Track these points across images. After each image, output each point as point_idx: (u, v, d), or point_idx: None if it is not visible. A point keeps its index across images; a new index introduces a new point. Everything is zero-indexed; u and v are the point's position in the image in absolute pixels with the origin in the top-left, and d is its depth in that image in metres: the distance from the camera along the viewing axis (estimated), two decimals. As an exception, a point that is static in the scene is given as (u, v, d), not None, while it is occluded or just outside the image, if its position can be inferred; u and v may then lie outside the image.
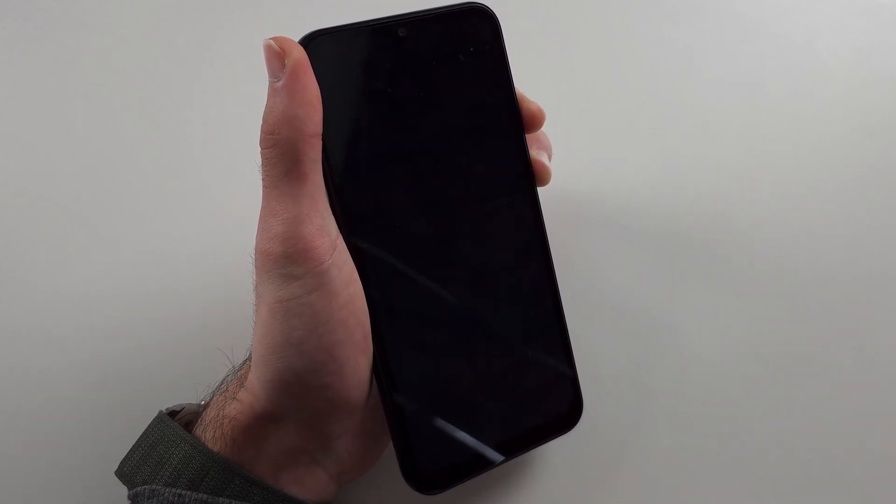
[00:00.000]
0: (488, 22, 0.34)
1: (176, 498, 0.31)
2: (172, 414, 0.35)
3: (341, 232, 0.32)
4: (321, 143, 0.30)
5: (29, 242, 0.44)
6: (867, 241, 0.47)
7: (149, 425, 0.34)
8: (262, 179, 0.30)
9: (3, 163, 0.45)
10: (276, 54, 0.29)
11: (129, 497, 0.32)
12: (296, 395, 0.32)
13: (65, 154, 0.46)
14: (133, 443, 0.34)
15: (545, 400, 0.37)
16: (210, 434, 0.33)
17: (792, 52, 0.52)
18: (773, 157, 0.49)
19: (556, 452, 0.41)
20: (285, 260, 0.29)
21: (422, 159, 0.34)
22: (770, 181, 0.48)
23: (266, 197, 0.30)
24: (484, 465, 0.35)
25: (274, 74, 0.29)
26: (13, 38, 0.48)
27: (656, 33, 0.52)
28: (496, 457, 0.36)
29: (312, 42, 0.31)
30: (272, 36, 0.29)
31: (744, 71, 0.51)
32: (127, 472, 0.33)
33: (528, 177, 0.36)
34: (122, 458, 0.34)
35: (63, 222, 0.44)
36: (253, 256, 0.31)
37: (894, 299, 0.46)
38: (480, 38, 0.34)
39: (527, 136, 0.36)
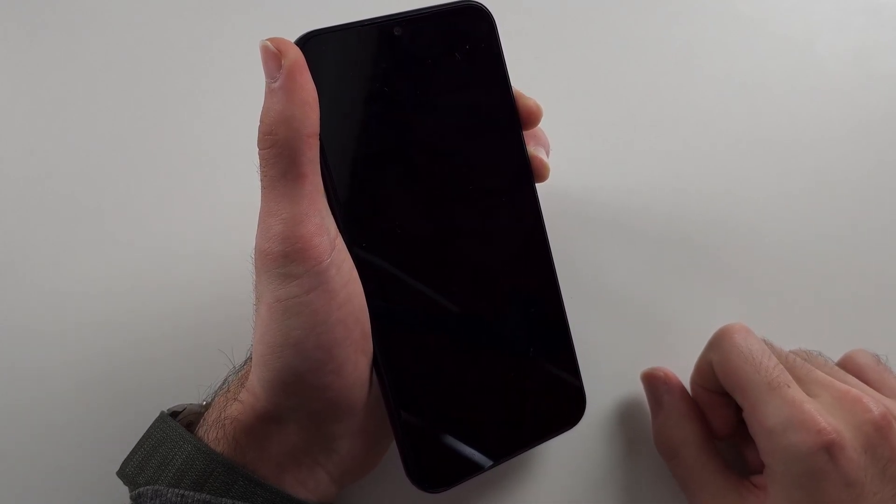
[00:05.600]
0: (484, 19, 0.34)
1: (179, 499, 0.31)
2: (174, 414, 0.35)
3: (339, 231, 0.32)
4: (319, 142, 0.30)
5: (30, 242, 0.44)
6: (867, 240, 0.47)
7: (150, 426, 0.34)
8: (261, 180, 0.30)
9: (3, 161, 0.46)
10: (273, 55, 0.29)
11: (132, 497, 0.32)
12: (296, 395, 0.32)
13: (65, 153, 0.46)
14: (134, 443, 0.34)
15: (549, 397, 0.37)
16: (213, 435, 0.33)
17: (792, 52, 0.52)
18: (773, 157, 0.49)
19: (559, 450, 0.41)
20: (284, 259, 0.30)
21: (419, 158, 0.34)
22: (770, 181, 0.48)
23: (265, 197, 0.30)
24: (488, 462, 0.35)
25: (270, 75, 0.30)
26: (14, 38, 0.48)
27: (656, 32, 0.52)
28: (500, 454, 0.36)
29: (308, 42, 0.31)
30: (268, 37, 0.30)
31: (744, 71, 0.51)
32: (129, 472, 0.33)
33: (526, 173, 0.36)
34: (122, 458, 0.34)
35: (64, 222, 0.44)
36: (253, 257, 0.31)
37: (895, 298, 0.46)
38: (476, 35, 0.34)
39: (524, 132, 0.36)
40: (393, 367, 0.33)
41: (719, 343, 0.37)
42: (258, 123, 0.30)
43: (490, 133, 0.35)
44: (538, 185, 0.36)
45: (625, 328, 0.44)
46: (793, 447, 0.33)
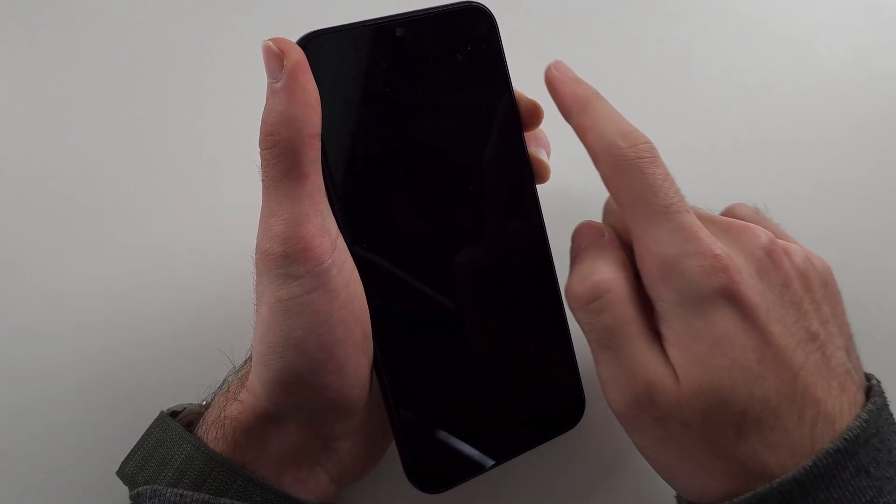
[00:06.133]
0: (485, 20, 0.34)
1: (178, 498, 0.31)
2: (174, 414, 0.35)
3: (340, 231, 0.32)
4: (320, 143, 0.30)
5: (30, 242, 0.44)
6: (867, 240, 0.47)
7: (150, 426, 0.35)
8: (262, 180, 0.30)
9: (3, 161, 0.46)
10: (275, 55, 0.29)
11: (131, 497, 0.32)
12: (296, 395, 0.32)
13: (65, 153, 0.46)
14: (134, 443, 0.34)
15: (548, 397, 0.37)
16: (212, 435, 0.33)
17: (792, 52, 0.52)
18: (772, 156, 0.49)
19: (559, 450, 0.41)
20: (285, 259, 0.30)
21: (421, 158, 0.34)
22: (770, 181, 0.48)
23: (266, 198, 0.30)
24: (488, 462, 0.35)
25: (273, 75, 0.30)
26: (14, 38, 0.48)
27: (656, 33, 0.52)
28: (500, 455, 0.36)
29: (310, 43, 0.31)
30: (270, 37, 0.30)
31: (743, 71, 0.51)
32: (129, 472, 0.33)
33: (527, 174, 0.36)
34: (122, 457, 0.34)
35: (64, 222, 0.44)
36: (254, 257, 0.31)
37: (894, 298, 0.46)
38: (478, 36, 0.34)
39: (525, 133, 0.36)
40: (393, 367, 0.33)
41: (618, 156, 0.33)
42: (259, 123, 0.30)
43: (491, 134, 0.35)
44: (539, 186, 0.36)
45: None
46: (688, 274, 0.31)
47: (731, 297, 0.30)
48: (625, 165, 0.33)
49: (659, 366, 0.32)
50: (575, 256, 0.36)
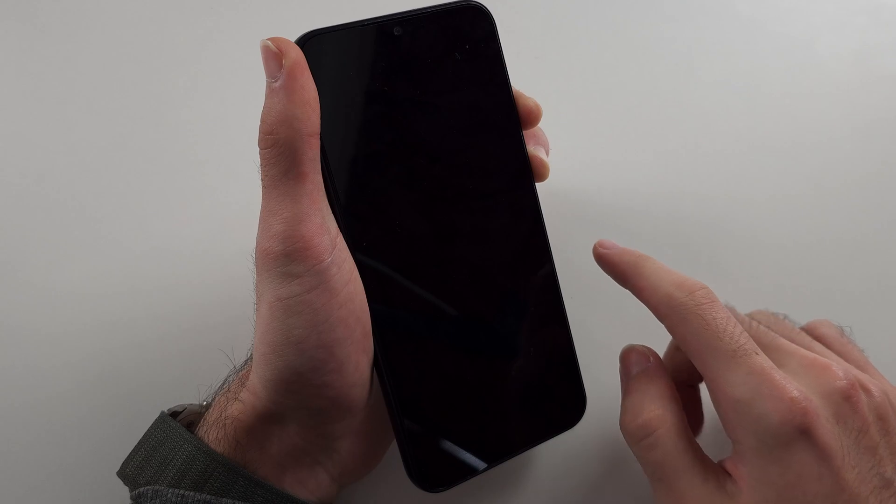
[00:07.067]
0: (483, 19, 0.34)
1: (179, 499, 0.31)
2: (174, 415, 0.35)
3: (340, 230, 0.32)
4: (319, 142, 0.30)
5: (30, 241, 0.44)
6: (867, 240, 0.47)
7: (151, 426, 0.34)
8: (262, 179, 0.30)
9: (3, 161, 0.46)
10: (274, 55, 0.29)
11: (132, 498, 0.32)
12: (297, 394, 0.32)
13: (65, 153, 0.46)
14: (134, 443, 0.34)
15: (549, 397, 0.37)
16: (213, 435, 0.33)
17: (792, 52, 0.52)
18: (772, 157, 0.49)
19: (560, 449, 0.41)
20: (285, 258, 0.30)
21: (419, 158, 0.34)
22: (770, 181, 0.48)
23: (266, 197, 0.30)
24: (490, 461, 0.35)
25: (271, 75, 0.30)
26: (13, 38, 0.48)
27: (656, 33, 0.52)
28: (502, 453, 0.36)
29: (308, 42, 0.31)
30: (269, 37, 0.30)
31: (744, 71, 0.51)
32: (129, 472, 0.33)
33: (526, 173, 0.36)
34: (122, 458, 0.34)
35: (64, 222, 0.44)
36: (253, 256, 0.31)
37: (894, 299, 0.46)
38: (476, 35, 0.34)
39: (524, 132, 0.36)
40: (394, 366, 0.33)
41: (677, 307, 0.34)
42: (259, 123, 0.30)
43: (490, 133, 0.35)
44: (538, 185, 0.37)
45: (625, 328, 0.44)
46: (764, 418, 0.30)
47: (808, 441, 0.30)
48: (685, 314, 0.33)
49: (714, 499, 0.32)
50: (626, 385, 0.36)
